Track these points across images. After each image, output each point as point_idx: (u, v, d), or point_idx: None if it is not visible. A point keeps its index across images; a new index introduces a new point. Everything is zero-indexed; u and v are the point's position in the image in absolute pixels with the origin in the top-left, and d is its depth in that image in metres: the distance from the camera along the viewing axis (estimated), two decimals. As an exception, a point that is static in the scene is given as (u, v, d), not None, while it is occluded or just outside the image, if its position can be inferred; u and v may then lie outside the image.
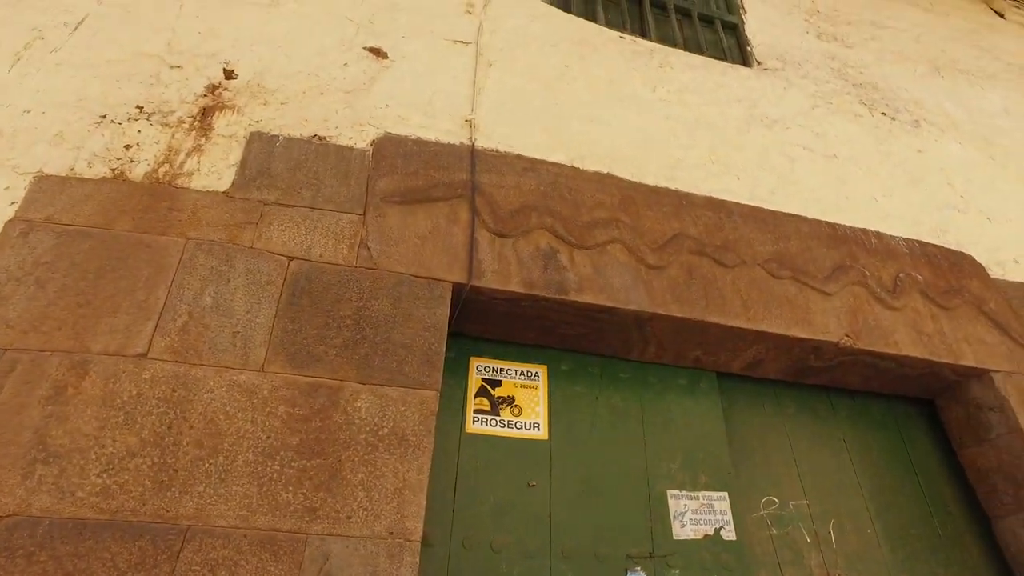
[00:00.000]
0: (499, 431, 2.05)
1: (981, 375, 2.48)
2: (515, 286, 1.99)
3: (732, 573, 2.01)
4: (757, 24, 3.62)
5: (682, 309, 2.11)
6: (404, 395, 1.71)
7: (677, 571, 1.97)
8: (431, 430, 1.69)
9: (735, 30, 3.61)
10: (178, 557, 1.35)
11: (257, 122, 2.16)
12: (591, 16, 3.19)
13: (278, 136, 2.13)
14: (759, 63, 3.34)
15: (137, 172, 1.89)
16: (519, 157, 2.33)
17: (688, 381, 2.34)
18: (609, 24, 3.19)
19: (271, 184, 2.01)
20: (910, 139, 3.32)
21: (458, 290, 1.96)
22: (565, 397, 2.18)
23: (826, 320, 2.30)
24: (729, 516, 2.11)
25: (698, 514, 2.09)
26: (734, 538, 2.07)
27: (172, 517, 1.39)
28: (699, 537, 2.05)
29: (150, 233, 1.78)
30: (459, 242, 2.03)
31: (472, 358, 2.17)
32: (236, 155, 2.05)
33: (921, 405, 2.72)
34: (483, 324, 2.14)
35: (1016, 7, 5.20)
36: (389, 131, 2.26)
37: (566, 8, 3.15)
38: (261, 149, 2.08)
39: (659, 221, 2.30)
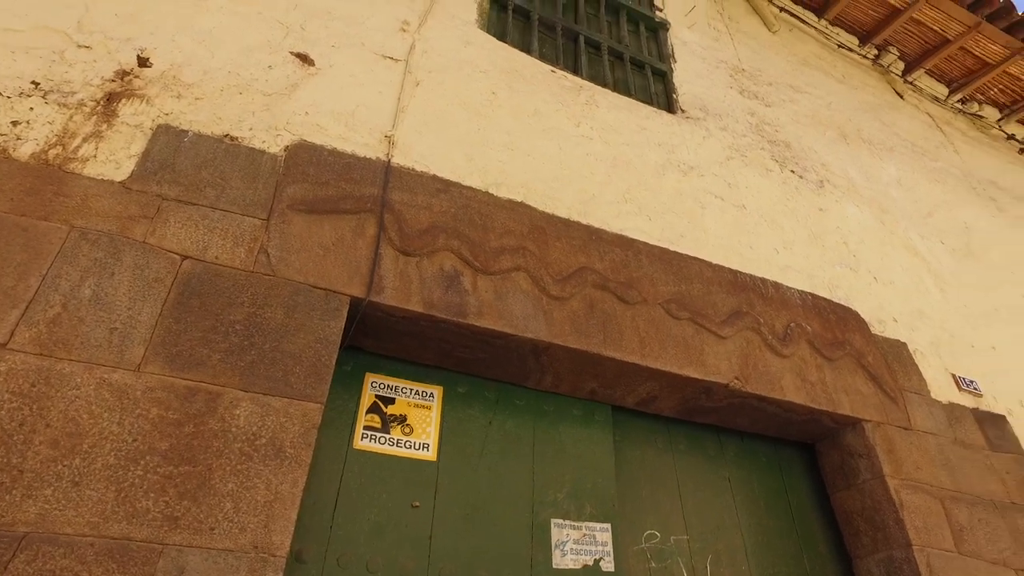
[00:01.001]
0: (388, 449, 2.03)
1: (855, 424, 2.63)
2: (415, 305, 1.99)
3: (607, 604, 2.05)
4: (685, 74, 3.79)
5: (580, 341, 2.15)
6: (287, 406, 1.68)
7: (553, 600, 1.99)
8: (311, 443, 1.66)
9: (664, 77, 3.76)
10: (6, 568, 1.26)
11: (167, 114, 2.09)
12: (526, 48, 3.26)
13: (187, 131, 2.07)
14: (683, 111, 3.50)
15: (23, 151, 1.80)
16: (434, 178, 2.34)
17: (583, 412, 2.39)
18: (543, 57, 3.27)
19: (173, 179, 1.94)
20: (814, 198, 3.53)
21: (356, 304, 1.94)
22: (459, 420, 2.18)
23: (719, 362, 2.40)
24: (610, 548, 2.15)
25: (580, 544, 2.12)
26: (612, 570, 2.11)
27: (7, 523, 1.30)
28: (578, 567, 2.07)
29: (29, 216, 1.69)
30: (362, 256, 2.01)
31: (368, 374, 2.15)
32: (139, 146, 1.97)
33: (803, 449, 2.86)
34: (381, 341, 2.12)
35: (912, 90, 5.64)
36: (305, 139, 2.23)
37: (501, 37, 3.21)
38: (168, 143, 2.02)
39: (567, 253, 2.35)
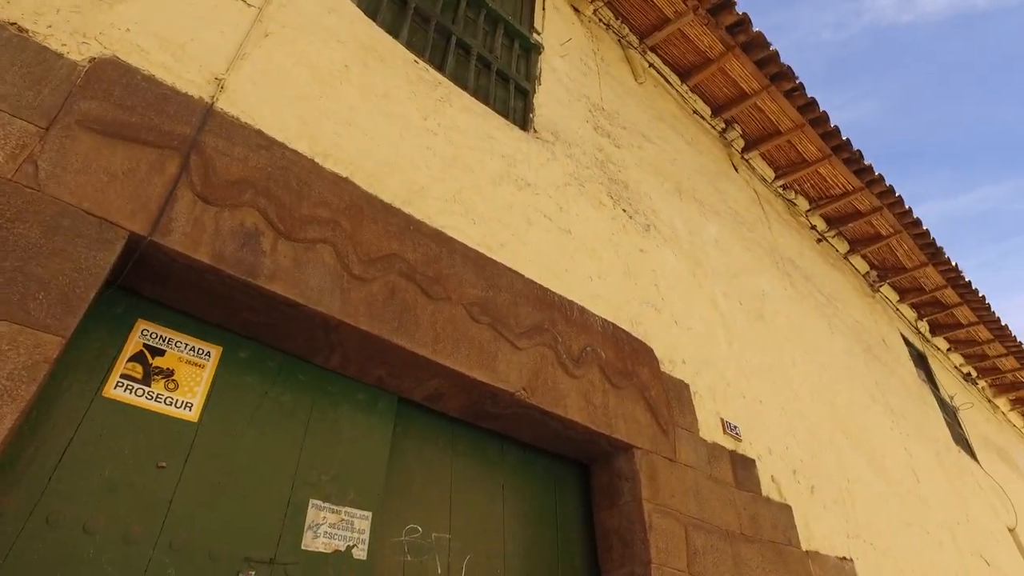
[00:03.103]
0: (143, 402, 1.88)
1: (627, 449, 2.83)
2: (203, 255, 1.87)
3: (351, 591, 2.02)
4: (546, 98, 3.94)
5: (373, 325, 2.14)
6: (16, 333, 1.50)
7: (293, 581, 1.93)
8: (38, 379, 1.49)
9: (525, 96, 3.89)
10: None
11: (-53, -13, 1.82)
12: (395, 32, 3.23)
13: (-31, 11, 1.81)
14: (535, 131, 3.62)
15: None
16: (259, 133, 2.24)
17: (367, 398, 2.36)
18: (409, 46, 3.25)
19: (-64, 60, 1.69)
20: (638, 238, 3.79)
21: (136, 242, 1.79)
22: (233, 384, 2.07)
23: (509, 371, 2.48)
24: (367, 536, 2.13)
25: (335, 528, 2.08)
26: (364, 558, 2.09)
27: None
28: (329, 551, 2.03)
29: None
30: (155, 193, 1.86)
31: (140, 320, 1.98)
32: (-100, 12, 1.70)
33: (580, 468, 3.03)
34: (162, 288, 1.97)
35: (747, 167, 6.30)
36: (119, 56, 2.04)
37: (372, 15, 3.15)
38: (-60, 18, 1.75)
39: (380, 237, 2.34)
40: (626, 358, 3.05)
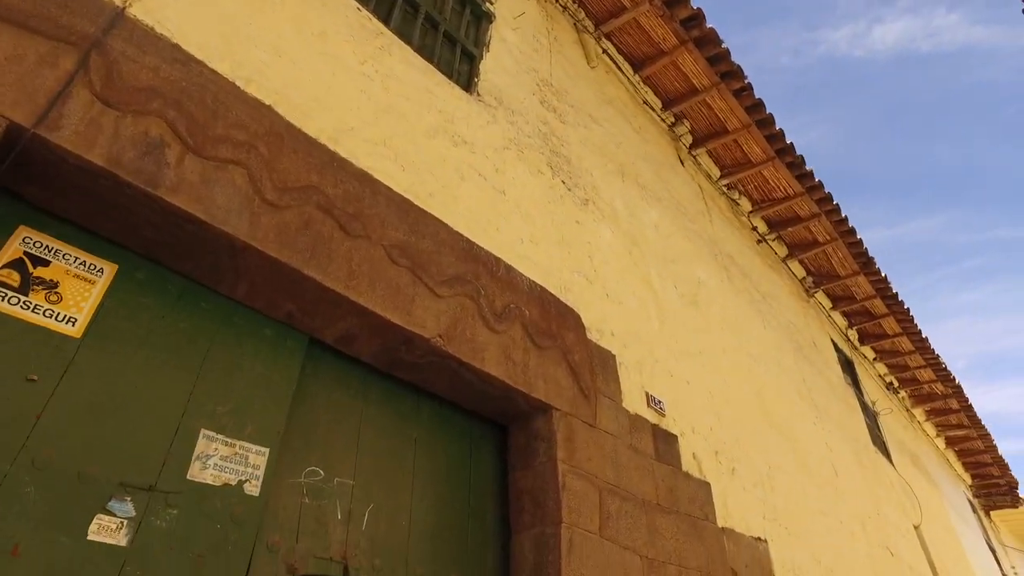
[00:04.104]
0: (17, 311, 1.74)
1: (546, 410, 2.80)
2: (97, 157, 1.75)
3: (240, 527, 1.92)
4: (494, 65, 3.90)
5: (283, 252, 2.04)
6: None
7: (176, 511, 1.82)
8: None
9: (472, 61, 3.83)
10: None
11: None
12: (338, -23, 3.12)
13: None
14: (479, 95, 3.57)
15: None
16: (176, 47, 2.12)
17: (275, 334, 2.26)
18: (352, -8, 3.15)
19: None
20: (575, 211, 3.78)
21: (17, 133, 1.66)
22: (125, 305, 1.95)
23: (426, 316, 2.42)
24: (261, 473, 2.03)
25: (227, 461, 1.98)
26: (256, 494, 1.99)
27: None
28: (218, 484, 1.93)
29: None
30: (45, 86, 1.73)
31: (22, 226, 1.84)
32: None
33: (498, 430, 2.98)
34: (49, 192, 1.84)
35: (693, 163, 6.39)
36: (21, -54, 1.90)
37: (314, -45, 3.05)
38: None
39: (299, 168, 2.24)
40: (551, 320, 3.02)
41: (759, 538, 3.85)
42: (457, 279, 2.62)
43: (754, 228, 7.19)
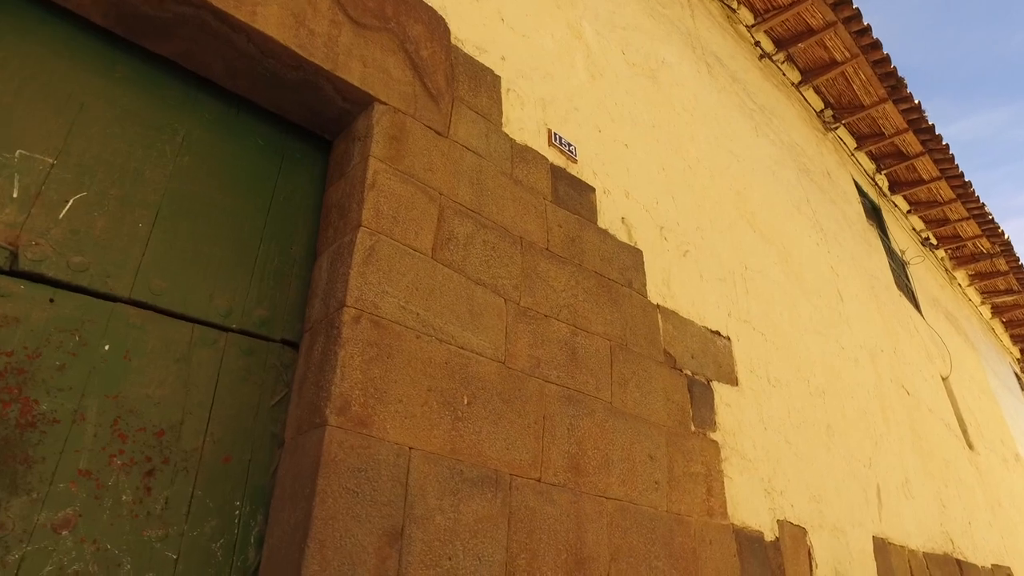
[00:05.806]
0: None
1: (368, 104, 2.06)
2: None
3: None
4: None
5: None
6: None
7: None
8: None
9: None
10: None
11: None
12: None
13: None
14: None
15: None
16: None
17: None
18: None
19: None
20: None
21: None
22: None
23: (135, -82, 1.66)
24: None
25: None
26: None
27: None
28: None
29: None
30: None
31: None
32: None
33: (325, 149, 2.25)
34: None
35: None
36: None
37: None
38: None
39: None
40: (386, 2, 2.24)
41: (717, 332, 3.10)
42: None
43: (757, 43, 6.12)
